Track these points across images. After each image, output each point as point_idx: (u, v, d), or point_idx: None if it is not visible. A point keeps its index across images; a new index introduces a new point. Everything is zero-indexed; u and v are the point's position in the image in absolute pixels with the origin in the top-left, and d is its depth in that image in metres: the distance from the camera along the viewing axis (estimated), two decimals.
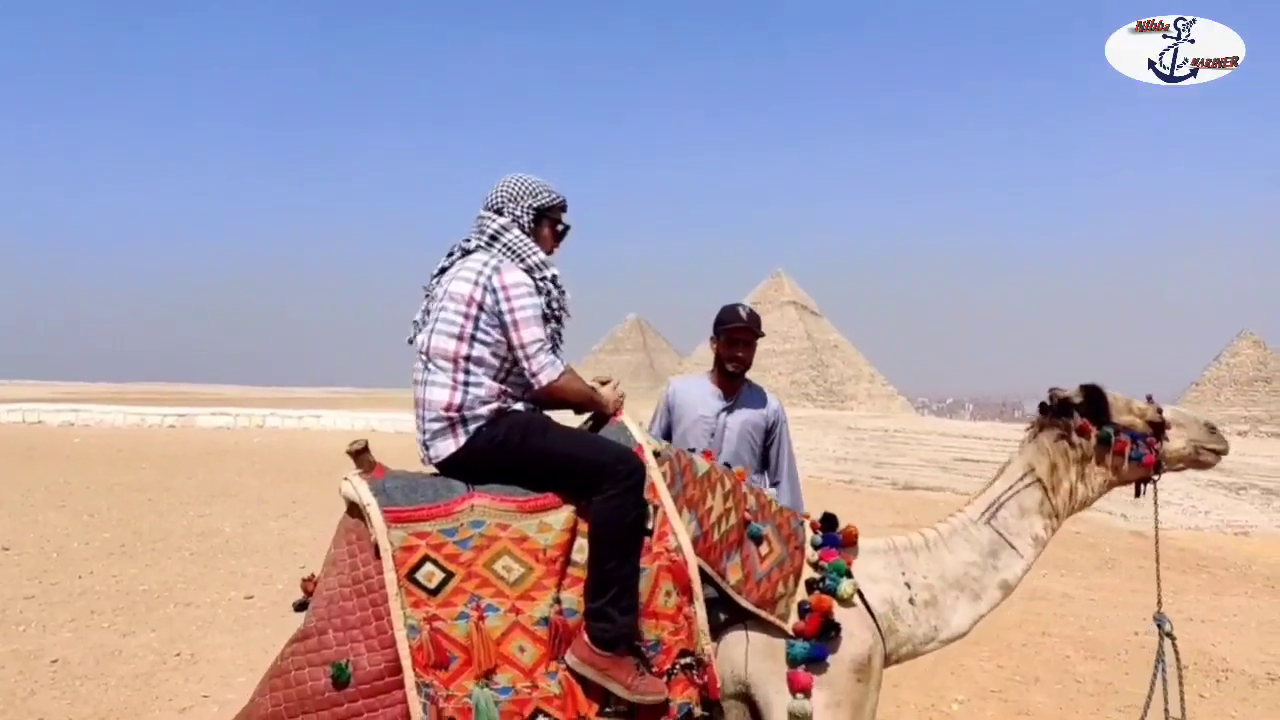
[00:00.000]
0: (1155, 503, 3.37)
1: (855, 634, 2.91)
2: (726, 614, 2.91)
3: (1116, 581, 9.73)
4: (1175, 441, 3.26)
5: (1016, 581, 3.18)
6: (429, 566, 2.68)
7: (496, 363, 2.91)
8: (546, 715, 2.65)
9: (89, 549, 9.25)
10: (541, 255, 3.01)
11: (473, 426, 2.89)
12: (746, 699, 2.91)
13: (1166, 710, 3.24)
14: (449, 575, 2.68)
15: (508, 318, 2.86)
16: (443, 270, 3.05)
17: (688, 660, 2.78)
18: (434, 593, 2.66)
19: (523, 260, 2.97)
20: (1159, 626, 3.29)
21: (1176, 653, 3.24)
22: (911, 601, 3.09)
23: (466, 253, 3.03)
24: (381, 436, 24.50)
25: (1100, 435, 3.17)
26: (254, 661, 5.96)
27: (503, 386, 2.93)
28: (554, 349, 2.97)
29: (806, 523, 3.19)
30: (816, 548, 3.08)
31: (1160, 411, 3.27)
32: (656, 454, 3.01)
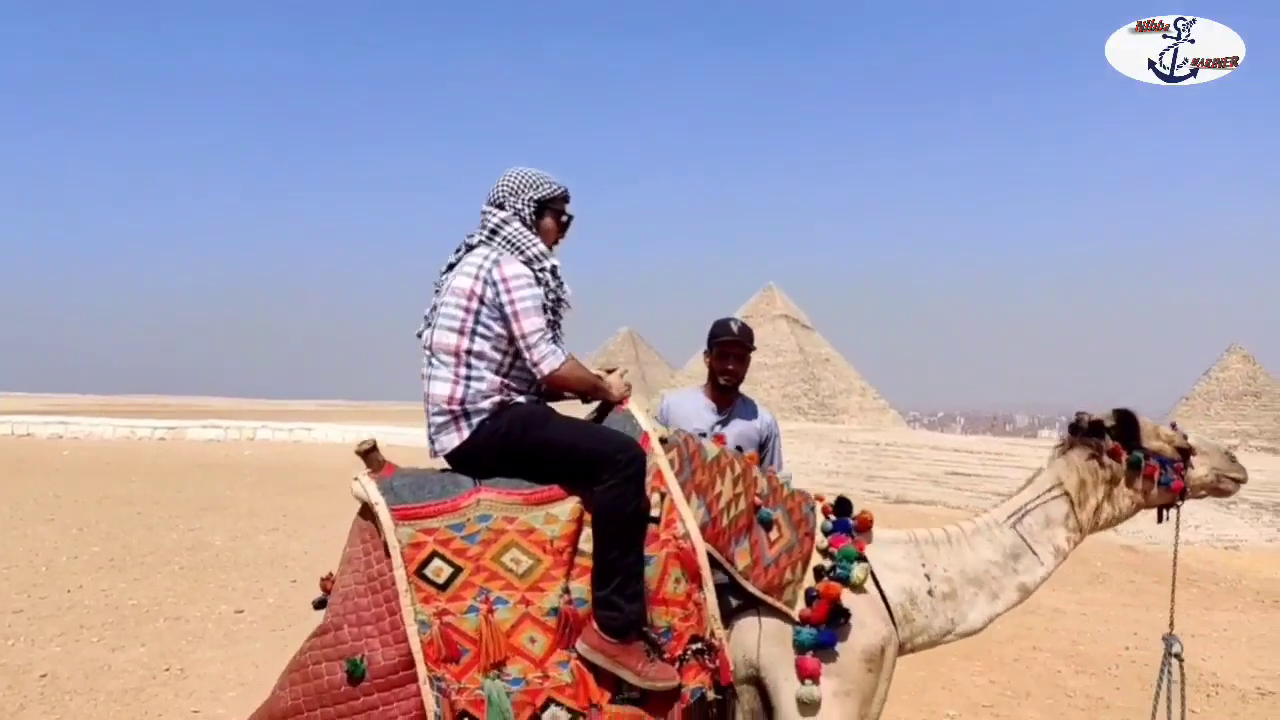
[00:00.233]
0: (1177, 528, 3.46)
1: (868, 624, 2.92)
2: (738, 599, 2.94)
3: (1107, 596, 9.75)
4: (1199, 469, 3.34)
5: (1034, 587, 3.22)
6: (437, 562, 2.73)
7: (499, 356, 2.94)
8: (559, 704, 2.68)
9: (78, 563, 9.20)
10: (541, 247, 3.04)
11: (475, 420, 2.93)
12: (758, 683, 2.93)
13: None
14: (457, 570, 2.73)
15: (508, 309, 2.89)
16: (450, 267, 3.09)
17: (699, 646, 2.81)
18: (443, 588, 2.72)
19: (522, 252, 3.00)
20: (1167, 647, 3.34)
21: (1183, 674, 3.28)
22: (930, 593, 3.12)
23: (470, 248, 3.07)
24: None
25: (1131, 459, 3.25)
26: (244, 676, 5.94)
27: (505, 380, 2.96)
28: (555, 339, 2.99)
29: (819, 507, 3.19)
30: (827, 533, 3.09)
31: (1186, 438, 3.35)
32: (664, 440, 3.04)
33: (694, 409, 4.12)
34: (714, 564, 2.89)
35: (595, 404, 3.21)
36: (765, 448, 4.16)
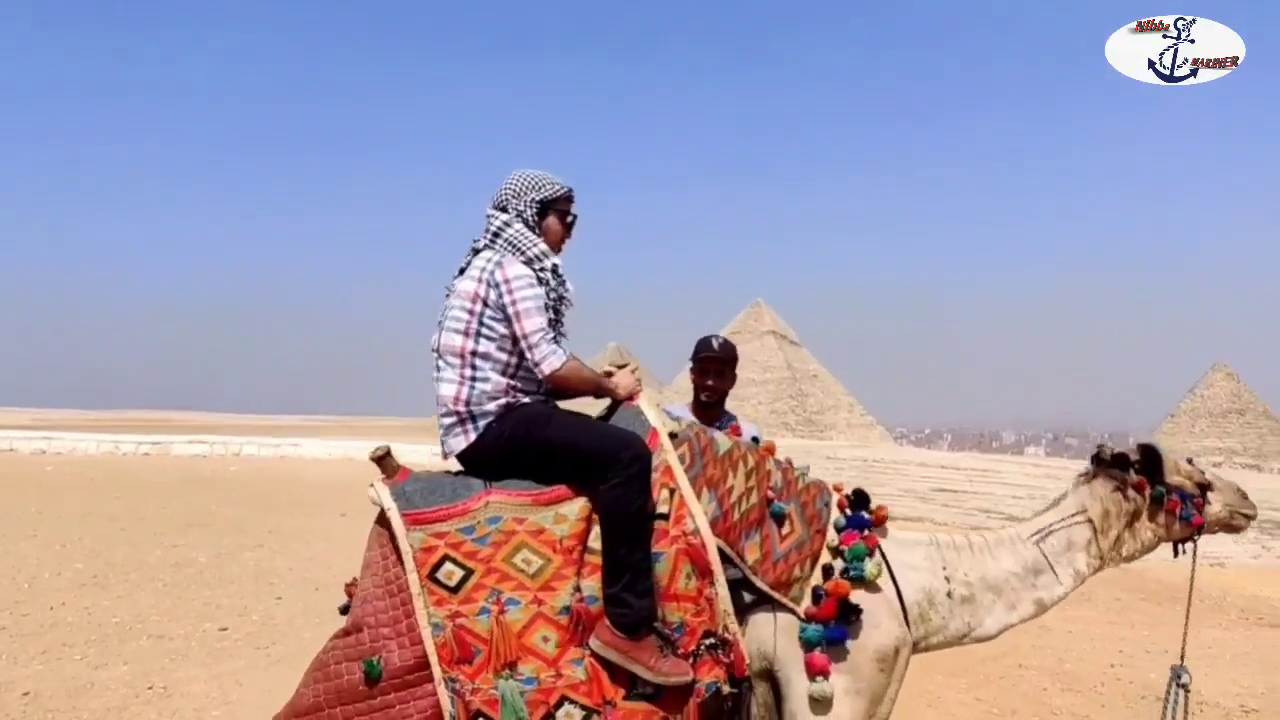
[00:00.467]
0: (1194, 562, 3.51)
1: (883, 624, 2.94)
2: (751, 594, 2.96)
3: (1093, 614, 9.77)
4: (1214, 505, 3.42)
5: (1050, 604, 3.26)
6: (449, 565, 2.77)
7: (504, 357, 2.97)
8: (572, 702, 2.71)
9: (61, 580, 9.11)
10: (542, 247, 3.06)
11: (481, 423, 2.97)
12: (771, 677, 2.94)
13: None
14: (469, 572, 2.77)
15: (510, 310, 2.92)
16: (462, 271, 3.12)
17: (712, 641, 2.83)
18: (455, 590, 2.76)
19: (523, 253, 3.03)
20: (1175, 677, 3.38)
21: (1186, 706, 3.32)
22: (949, 595, 3.15)
23: (476, 252, 3.10)
24: (358, 465, 24.31)
25: (1154, 493, 3.31)
26: (228, 695, 5.89)
27: (510, 381, 2.99)
28: (557, 339, 3.01)
29: (834, 500, 3.19)
30: (840, 529, 3.09)
31: (1204, 474, 3.43)
32: (674, 435, 3.04)
33: None
34: (727, 558, 2.91)
35: (607, 401, 3.23)
36: None
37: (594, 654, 2.74)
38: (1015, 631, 3.32)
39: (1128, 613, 9.91)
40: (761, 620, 2.95)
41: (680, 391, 53.64)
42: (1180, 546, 3.43)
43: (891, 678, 2.95)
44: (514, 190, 3.11)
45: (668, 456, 2.96)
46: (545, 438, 2.93)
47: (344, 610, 3.00)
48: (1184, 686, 3.34)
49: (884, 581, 3.01)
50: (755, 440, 3.29)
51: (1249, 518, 3.48)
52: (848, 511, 3.15)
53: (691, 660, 2.79)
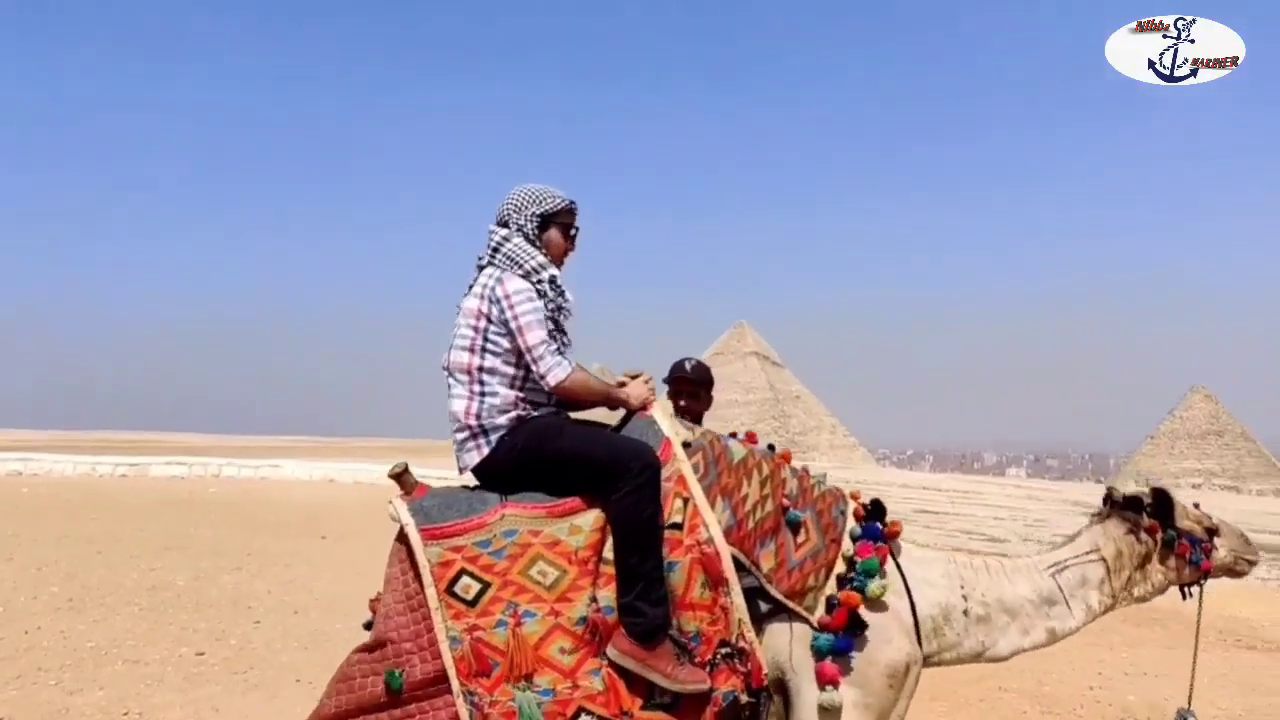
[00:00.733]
0: (1200, 606, 3.57)
1: (894, 640, 2.95)
2: (767, 603, 2.97)
3: (1073, 637, 9.79)
4: (1220, 550, 3.47)
5: (1062, 635, 3.33)
6: (466, 579, 2.80)
7: (510, 370, 3.00)
8: (590, 713, 2.72)
9: (36, 603, 8.99)
10: (540, 259, 3.08)
11: (494, 437, 2.99)
12: (782, 685, 2.95)
13: None
14: (485, 586, 2.79)
15: (512, 324, 2.95)
16: (470, 288, 3.15)
17: (728, 650, 2.84)
18: (472, 604, 2.78)
19: (520, 266, 3.05)
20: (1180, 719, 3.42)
21: None
22: (966, 614, 3.18)
23: (480, 269, 3.13)
24: (340, 487, 24.13)
25: (1165, 537, 3.37)
26: None
27: (519, 394, 3.01)
28: (561, 350, 3.03)
29: (850, 509, 3.20)
30: (855, 539, 3.10)
31: (1211, 518, 3.51)
32: (687, 445, 3.06)
33: None
34: (742, 567, 2.92)
35: (621, 411, 3.24)
36: None
37: (611, 664, 2.76)
38: None
39: (1107, 634, 9.93)
40: (778, 629, 2.96)
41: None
42: (1187, 589, 3.50)
43: (901, 694, 2.97)
44: (515, 205, 3.14)
45: (681, 465, 2.98)
46: (557, 449, 2.96)
47: (368, 626, 3.04)
48: None
49: (898, 597, 3.03)
50: (771, 448, 3.30)
51: (1252, 563, 3.57)
52: (863, 522, 3.17)
53: (708, 669, 2.81)
